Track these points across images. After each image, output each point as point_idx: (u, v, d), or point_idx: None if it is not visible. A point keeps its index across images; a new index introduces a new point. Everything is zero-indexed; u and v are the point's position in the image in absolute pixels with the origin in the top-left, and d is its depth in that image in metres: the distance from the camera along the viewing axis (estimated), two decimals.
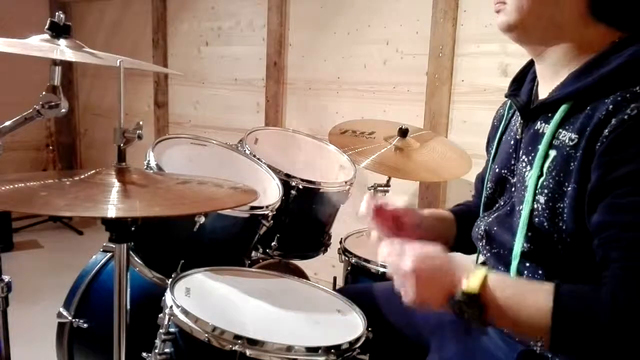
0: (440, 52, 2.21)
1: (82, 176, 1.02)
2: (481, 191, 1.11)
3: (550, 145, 0.87)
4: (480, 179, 1.17)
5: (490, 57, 2.09)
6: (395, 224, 1.07)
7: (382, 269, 1.49)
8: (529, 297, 0.79)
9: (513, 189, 0.97)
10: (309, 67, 2.69)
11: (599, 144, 0.79)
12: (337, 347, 0.96)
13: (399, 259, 0.85)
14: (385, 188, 1.88)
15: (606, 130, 0.78)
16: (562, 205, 0.84)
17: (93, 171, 1.03)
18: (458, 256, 0.94)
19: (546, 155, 0.87)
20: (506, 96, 1.04)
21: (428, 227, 1.12)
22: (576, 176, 0.82)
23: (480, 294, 0.79)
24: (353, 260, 1.58)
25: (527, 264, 0.90)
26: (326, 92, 2.63)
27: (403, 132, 1.81)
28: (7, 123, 1.18)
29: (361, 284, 1.54)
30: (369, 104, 2.47)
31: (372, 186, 1.88)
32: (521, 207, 0.90)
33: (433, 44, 2.23)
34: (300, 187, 1.57)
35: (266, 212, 1.39)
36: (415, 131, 1.90)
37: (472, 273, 0.81)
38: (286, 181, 1.56)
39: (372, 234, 1.05)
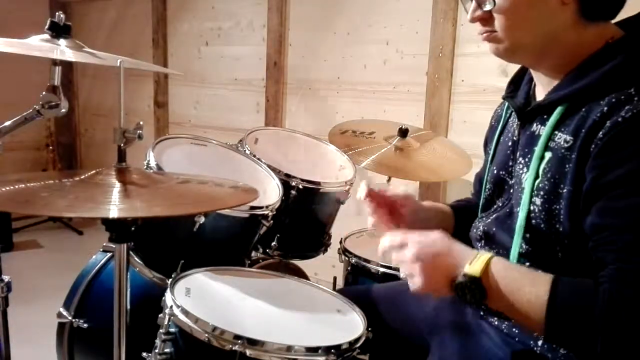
0: (440, 52, 2.21)
1: (83, 176, 1.02)
2: (480, 191, 1.11)
3: (546, 147, 0.87)
4: (479, 178, 1.17)
5: (490, 57, 2.03)
6: (392, 211, 1.08)
7: (382, 269, 1.49)
8: (529, 284, 0.80)
9: (511, 190, 0.97)
10: (309, 67, 2.69)
11: (593, 145, 0.79)
12: (337, 347, 0.96)
13: (401, 249, 0.86)
14: None
15: (600, 133, 0.78)
16: (558, 207, 0.84)
17: (93, 171, 1.03)
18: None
19: (542, 157, 0.87)
20: (503, 98, 1.04)
21: (425, 219, 1.12)
22: (571, 178, 0.82)
23: (481, 277, 0.80)
24: (353, 260, 1.58)
25: (526, 265, 0.90)
26: (326, 92, 2.63)
27: (403, 132, 1.81)
28: (7, 123, 1.18)
29: (361, 285, 1.54)
30: (369, 104, 2.47)
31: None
32: (519, 208, 0.91)
33: (433, 44, 2.23)
34: (300, 187, 1.57)
35: (266, 212, 1.39)
36: (415, 131, 1.90)
37: (476, 257, 0.82)
38: (286, 181, 1.56)
39: (369, 220, 1.06)
